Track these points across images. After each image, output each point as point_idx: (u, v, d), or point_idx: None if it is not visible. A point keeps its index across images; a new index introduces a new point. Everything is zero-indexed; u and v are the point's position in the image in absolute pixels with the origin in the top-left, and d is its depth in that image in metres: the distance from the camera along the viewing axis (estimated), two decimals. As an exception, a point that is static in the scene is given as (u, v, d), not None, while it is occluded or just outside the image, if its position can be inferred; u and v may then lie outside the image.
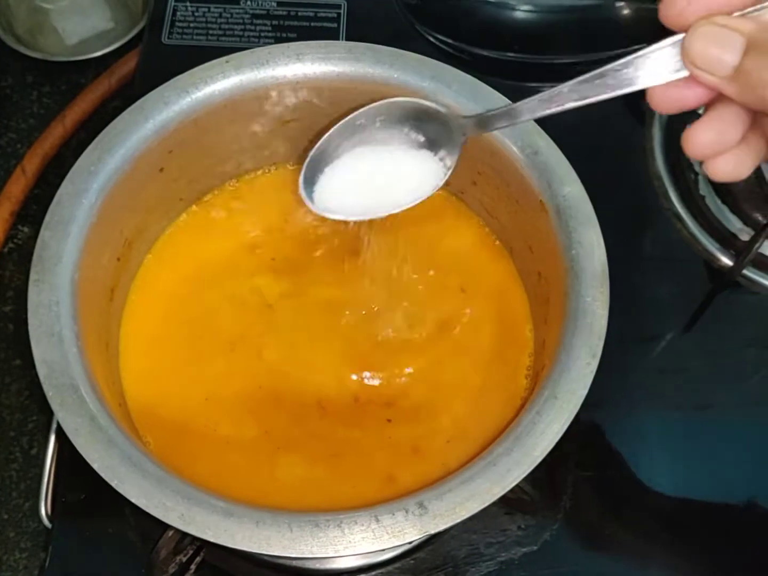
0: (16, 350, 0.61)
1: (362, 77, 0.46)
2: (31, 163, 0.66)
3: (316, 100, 0.47)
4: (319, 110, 0.48)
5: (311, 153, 0.43)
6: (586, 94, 0.35)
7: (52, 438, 0.52)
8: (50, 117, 0.69)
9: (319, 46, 0.46)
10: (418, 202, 0.43)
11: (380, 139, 0.43)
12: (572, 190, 0.43)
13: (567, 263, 0.41)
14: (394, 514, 0.36)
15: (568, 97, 0.35)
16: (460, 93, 0.45)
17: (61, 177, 0.67)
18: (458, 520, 0.36)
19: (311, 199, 0.43)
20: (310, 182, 0.43)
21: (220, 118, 0.46)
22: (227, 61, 0.45)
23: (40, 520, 0.52)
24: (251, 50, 0.46)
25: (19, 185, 0.65)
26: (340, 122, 0.42)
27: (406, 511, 0.36)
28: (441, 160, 0.43)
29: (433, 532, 0.36)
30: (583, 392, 0.38)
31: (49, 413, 0.59)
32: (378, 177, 0.43)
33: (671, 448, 0.52)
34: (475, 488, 0.36)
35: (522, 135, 0.44)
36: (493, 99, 0.45)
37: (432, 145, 0.43)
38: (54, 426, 0.52)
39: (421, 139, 0.43)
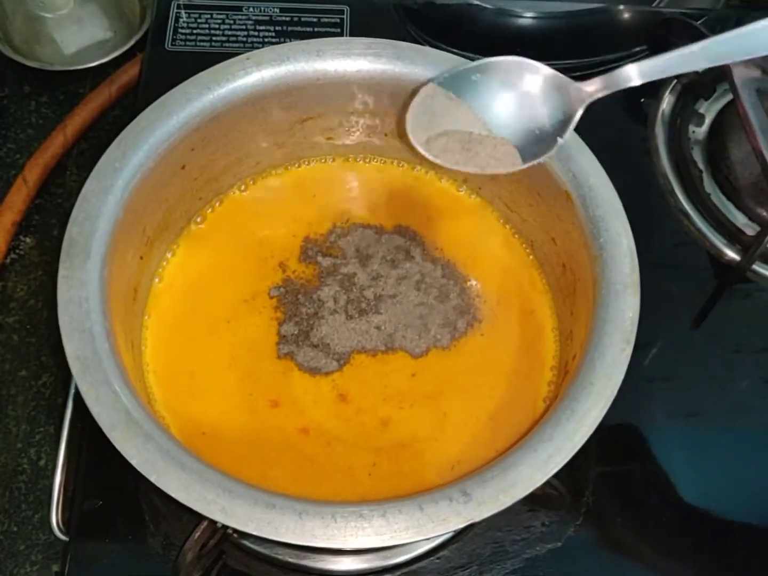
0: (21, 361, 0.61)
1: (382, 73, 0.46)
2: (33, 173, 0.65)
3: (336, 97, 0.47)
4: (339, 106, 0.48)
5: (415, 100, 0.43)
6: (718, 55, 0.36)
7: (62, 448, 0.51)
8: (49, 127, 0.68)
9: (339, 43, 0.46)
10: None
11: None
12: (597, 179, 0.43)
13: (595, 252, 0.42)
14: (437, 503, 0.36)
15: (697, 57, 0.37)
16: (481, 87, 0.45)
17: (63, 187, 0.67)
18: (502, 507, 0.36)
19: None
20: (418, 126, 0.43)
21: (241, 115, 0.46)
22: (248, 58, 0.45)
23: (50, 532, 0.51)
24: (271, 47, 0.46)
25: (20, 195, 0.64)
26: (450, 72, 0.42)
27: (450, 500, 0.36)
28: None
29: (477, 519, 0.36)
30: (619, 378, 0.39)
31: (57, 424, 0.58)
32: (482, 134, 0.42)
33: (686, 452, 0.53)
34: (518, 475, 0.36)
35: (544, 127, 0.44)
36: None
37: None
38: (64, 434, 0.52)
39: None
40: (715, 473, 0.52)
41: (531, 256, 0.50)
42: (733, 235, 0.58)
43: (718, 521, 0.51)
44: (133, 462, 0.36)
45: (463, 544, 0.49)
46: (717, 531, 0.51)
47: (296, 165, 0.52)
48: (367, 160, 0.53)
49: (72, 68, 0.70)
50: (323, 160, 0.52)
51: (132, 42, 0.70)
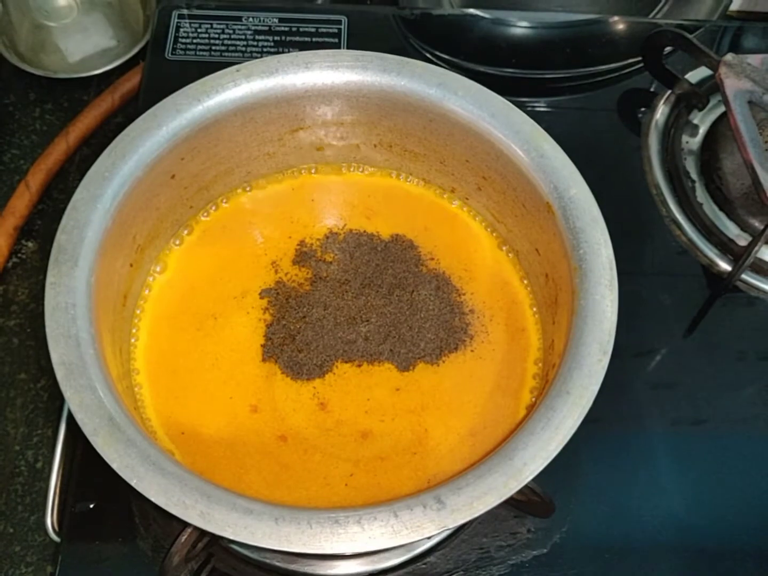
0: (20, 364, 0.61)
1: (370, 85, 0.47)
2: (35, 179, 0.66)
3: (325, 108, 0.48)
4: (329, 118, 0.49)
5: None
6: None
7: (59, 450, 0.52)
8: (52, 133, 0.69)
9: (327, 55, 0.47)
10: None
11: None
12: (578, 191, 0.43)
13: (575, 263, 0.42)
14: (412, 510, 0.36)
15: None
16: (465, 99, 0.46)
17: (65, 192, 0.68)
18: (476, 515, 0.36)
19: None
20: None
21: (231, 125, 0.47)
22: (238, 70, 0.46)
23: (45, 534, 0.52)
24: (261, 59, 0.46)
25: (23, 200, 0.65)
26: None
27: (424, 506, 0.36)
28: None
29: (451, 526, 0.36)
30: (595, 388, 0.39)
31: (55, 426, 0.59)
32: None
33: (675, 461, 0.53)
34: (492, 482, 0.37)
35: (527, 138, 0.45)
36: (498, 104, 0.46)
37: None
38: (61, 437, 0.52)
39: None
40: (712, 481, 0.52)
41: (517, 266, 0.50)
42: (724, 245, 0.58)
43: (718, 530, 0.51)
44: (114, 466, 0.36)
45: (450, 550, 0.49)
46: (717, 539, 0.51)
47: (287, 174, 0.53)
48: (360, 170, 0.53)
49: (76, 76, 0.71)
50: (313, 170, 0.53)
51: (135, 50, 0.71)
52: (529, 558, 0.49)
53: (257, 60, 0.47)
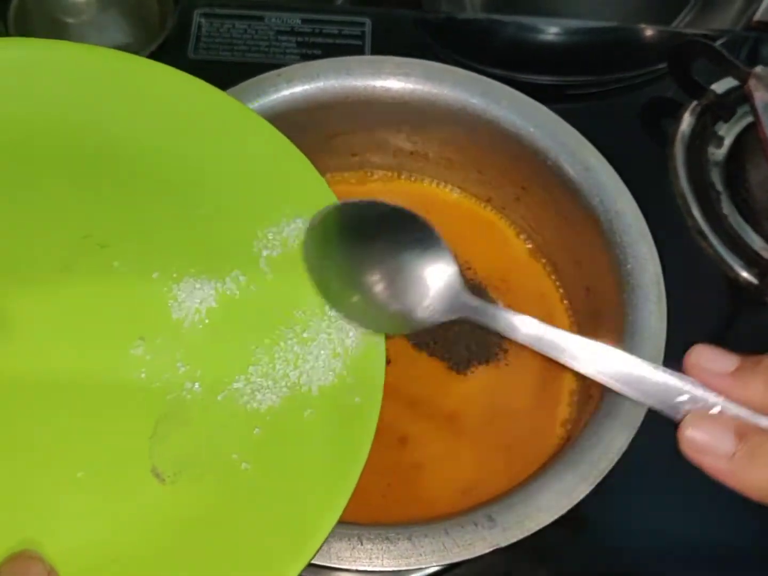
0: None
1: (411, 93, 0.46)
2: (51, 177, 0.65)
3: (365, 115, 0.48)
4: (367, 124, 0.48)
5: None
6: None
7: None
8: (67, 131, 0.68)
9: (368, 62, 0.46)
10: None
11: None
12: (625, 205, 0.43)
13: (622, 278, 0.42)
14: (463, 527, 0.36)
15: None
16: (509, 109, 0.45)
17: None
18: (528, 533, 0.36)
19: None
20: None
21: (270, 130, 0.46)
22: (279, 74, 0.45)
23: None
24: (302, 64, 0.46)
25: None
26: None
27: (476, 524, 0.36)
28: None
29: (503, 545, 0.36)
30: (644, 407, 0.39)
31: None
32: None
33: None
34: (544, 501, 0.37)
35: (572, 150, 0.45)
36: (543, 115, 0.45)
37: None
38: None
39: None
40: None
41: (554, 279, 0.50)
42: (750, 257, 0.58)
43: (749, 547, 0.51)
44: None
45: (472, 564, 0.48)
46: (748, 556, 0.50)
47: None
48: (396, 177, 0.53)
49: (91, 72, 0.70)
50: (349, 176, 0.52)
51: (151, 48, 0.70)
52: (554, 573, 0.49)
53: (298, 64, 0.46)
